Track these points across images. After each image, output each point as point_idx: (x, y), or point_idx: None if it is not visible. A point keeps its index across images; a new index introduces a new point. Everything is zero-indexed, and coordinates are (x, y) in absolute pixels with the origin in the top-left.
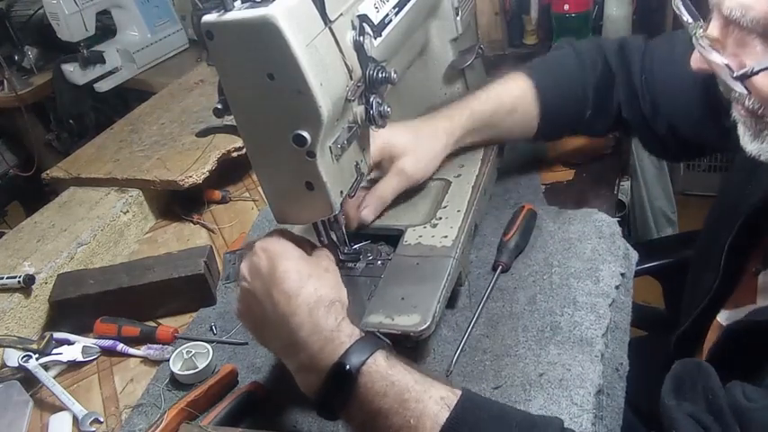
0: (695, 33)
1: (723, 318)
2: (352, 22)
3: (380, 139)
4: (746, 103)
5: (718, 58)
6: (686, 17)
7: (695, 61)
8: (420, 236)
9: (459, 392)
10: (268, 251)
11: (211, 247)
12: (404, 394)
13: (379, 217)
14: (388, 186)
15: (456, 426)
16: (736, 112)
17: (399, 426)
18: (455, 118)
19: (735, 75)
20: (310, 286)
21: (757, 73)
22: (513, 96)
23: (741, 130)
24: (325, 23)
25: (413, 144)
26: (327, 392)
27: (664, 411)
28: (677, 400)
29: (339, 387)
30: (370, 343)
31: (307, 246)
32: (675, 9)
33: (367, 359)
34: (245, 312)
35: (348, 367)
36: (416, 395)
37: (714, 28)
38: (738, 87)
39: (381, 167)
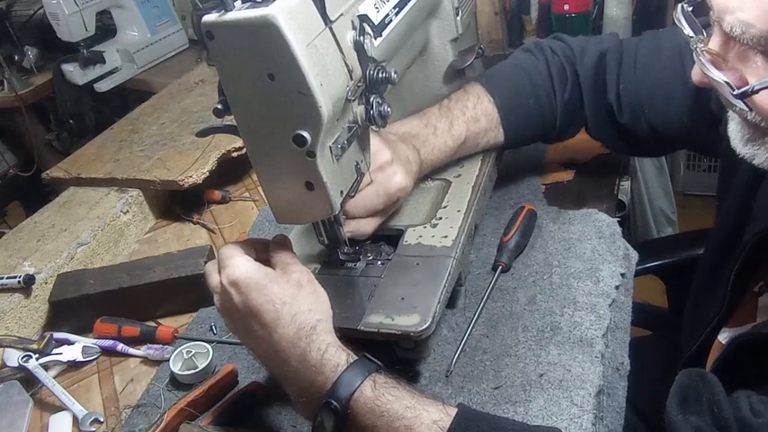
0: (696, 47)
1: (723, 336)
2: (352, 22)
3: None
4: (748, 117)
5: (718, 76)
6: (687, 30)
7: (696, 75)
8: (420, 236)
9: (453, 412)
10: (236, 285)
11: (211, 247)
12: (394, 423)
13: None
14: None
15: None
16: (733, 114)
17: None
18: (422, 154)
19: (735, 93)
20: (287, 315)
21: (758, 91)
22: (479, 126)
23: (733, 129)
24: (326, 23)
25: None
26: (321, 426)
27: (669, 426)
28: (683, 414)
29: (331, 421)
30: (356, 372)
31: (261, 248)
32: (677, 21)
33: (353, 394)
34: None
35: (334, 405)
36: (408, 422)
37: (715, 43)
38: (739, 104)
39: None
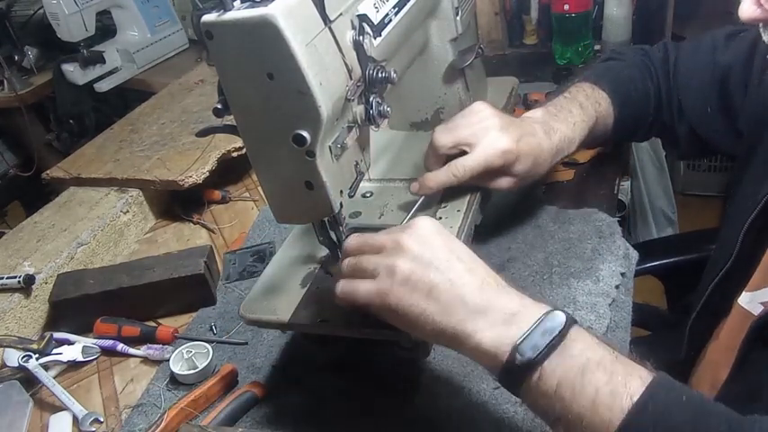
0: None
1: (745, 300)
2: (351, 21)
3: (499, 144)
4: None
5: None
6: None
7: (745, 12)
8: None
9: (649, 379)
10: (418, 234)
11: (211, 247)
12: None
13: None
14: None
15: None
16: None
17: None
18: (561, 130)
19: None
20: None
21: None
22: (602, 108)
23: None
24: (325, 23)
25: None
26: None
27: None
28: None
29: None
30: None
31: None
32: None
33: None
34: (393, 300)
35: (564, 317)
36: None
37: None
38: None
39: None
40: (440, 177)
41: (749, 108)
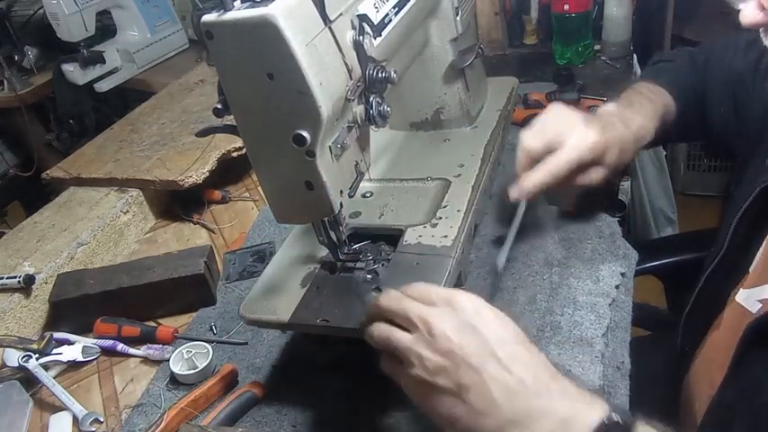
0: None
1: (742, 297)
2: (351, 21)
3: (588, 138)
4: None
5: None
6: None
7: (748, 16)
8: (420, 236)
9: None
10: (464, 307)
11: (211, 247)
12: None
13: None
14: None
15: None
16: None
17: None
18: (636, 121)
19: None
20: (523, 337)
21: None
22: (666, 98)
23: None
24: (325, 23)
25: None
26: None
27: None
28: None
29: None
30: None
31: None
32: None
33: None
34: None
35: (616, 418)
36: None
37: None
38: None
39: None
40: (538, 178)
41: (753, 111)
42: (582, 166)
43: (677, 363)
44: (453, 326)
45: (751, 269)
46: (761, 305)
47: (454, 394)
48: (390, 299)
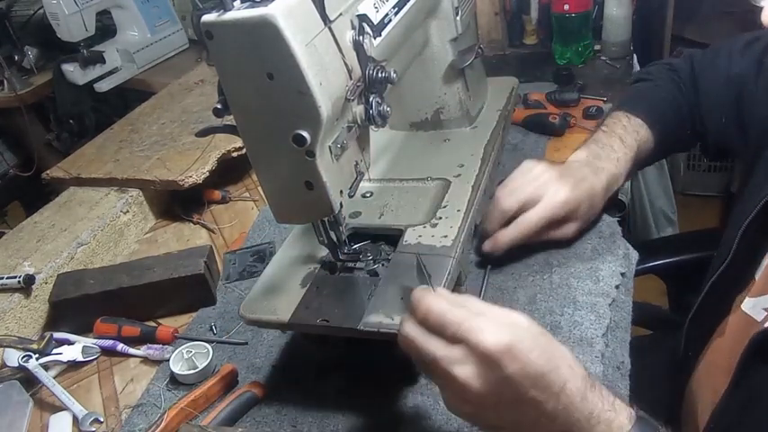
0: None
1: (748, 306)
2: (351, 21)
3: (559, 196)
4: None
5: None
6: None
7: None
8: (420, 236)
9: None
10: (509, 350)
11: (211, 247)
12: None
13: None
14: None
15: None
16: None
17: None
18: (607, 169)
19: None
20: (566, 367)
21: None
22: (641, 136)
23: None
24: (325, 23)
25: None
26: None
27: None
28: None
29: None
30: (650, 426)
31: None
32: None
33: None
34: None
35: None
36: None
37: None
38: None
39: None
40: (511, 235)
41: (757, 113)
42: (553, 223)
43: (679, 366)
44: (495, 356)
45: (757, 276)
46: (766, 314)
47: (489, 426)
48: (430, 306)
